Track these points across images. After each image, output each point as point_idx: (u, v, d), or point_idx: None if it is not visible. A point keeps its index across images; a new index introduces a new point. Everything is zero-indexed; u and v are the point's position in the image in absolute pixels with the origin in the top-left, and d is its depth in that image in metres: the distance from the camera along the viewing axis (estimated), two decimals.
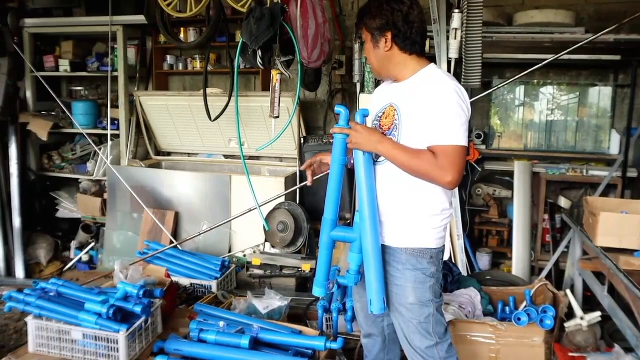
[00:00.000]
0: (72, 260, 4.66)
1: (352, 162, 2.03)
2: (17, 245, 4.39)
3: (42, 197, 4.89)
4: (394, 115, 1.97)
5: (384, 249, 2.02)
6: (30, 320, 2.45)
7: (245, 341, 2.41)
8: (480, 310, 2.88)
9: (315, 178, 2.30)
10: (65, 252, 4.80)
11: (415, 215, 1.97)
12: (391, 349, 2.36)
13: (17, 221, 4.44)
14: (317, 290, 2.10)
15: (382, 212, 2.02)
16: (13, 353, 2.42)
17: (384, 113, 2.04)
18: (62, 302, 2.50)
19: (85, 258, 4.62)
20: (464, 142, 1.84)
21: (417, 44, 1.96)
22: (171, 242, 4.14)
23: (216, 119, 3.99)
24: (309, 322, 3.38)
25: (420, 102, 1.88)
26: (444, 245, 2.02)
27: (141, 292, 2.51)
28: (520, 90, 4.58)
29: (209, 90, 4.13)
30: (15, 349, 2.76)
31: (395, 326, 2.09)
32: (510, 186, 4.35)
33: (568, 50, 3.15)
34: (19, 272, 4.36)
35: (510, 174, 4.26)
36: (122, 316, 2.42)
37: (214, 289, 3.55)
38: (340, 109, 1.97)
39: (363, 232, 1.96)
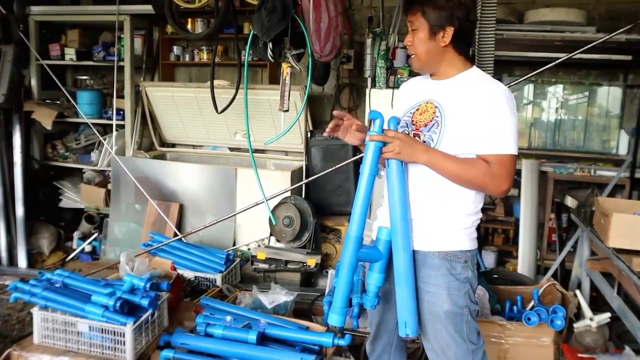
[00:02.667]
0: (74, 250, 4.63)
1: (382, 173, 1.89)
2: (20, 235, 4.35)
3: (46, 187, 4.85)
4: (434, 112, 1.88)
5: (413, 255, 1.90)
6: (35, 312, 2.42)
7: (252, 336, 2.39)
8: (488, 309, 2.86)
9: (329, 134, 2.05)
10: (67, 242, 4.77)
11: (448, 216, 1.88)
12: (397, 354, 2.29)
13: (20, 210, 4.40)
14: (335, 319, 1.91)
15: (411, 214, 1.91)
16: (18, 344, 2.39)
17: (418, 109, 1.94)
18: (68, 293, 2.47)
19: (88, 248, 4.59)
20: (516, 150, 1.79)
21: (469, 45, 1.91)
22: (175, 235, 4.12)
23: (223, 111, 3.95)
24: (314, 318, 3.36)
25: (470, 104, 1.81)
26: (477, 248, 1.94)
27: (148, 285, 2.49)
28: (528, 89, 4.55)
29: (215, 82, 4.09)
30: (18, 339, 2.75)
31: (424, 337, 1.97)
32: (516, 184, 4.32)
33: (581, 49, 3.12)
34: (22, 261, 4.33)
35: (517, 172, 4.22)
36: (128, 309, 2.40)
37: (219, 283, 3.53)
38: (375, 115, 1.81)
39: (395, 249, 1.84)
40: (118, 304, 2.33)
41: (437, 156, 1.81)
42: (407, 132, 1.94)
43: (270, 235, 4.03)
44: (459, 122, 1.83)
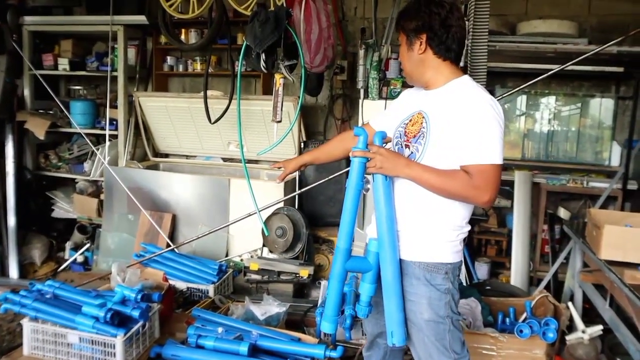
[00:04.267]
0: (66, 260, 4.60)
1: (368, 187, 1.92)
2: (12, 245, 4.33)
3: (38, 197, 4.82)
4: (421, 123, 1.90)
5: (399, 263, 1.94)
6: (25, 323, 2.41)
7: (243, 348, 2.38)
8: (481, 321, 2.86)
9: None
10: (60, 252, 4.74)
11: (432, 229, 1.91)
12: None
13: (11, 220, 4.38)
14: (327, 326, 1.99)
15: (397, 225, 1.94)
16: (7, 356, 2.37)
17: (410, 120, 1.96)
18: (58, 304, 2.46)
19: (80, 259, 4.57)
20: (500, 159, 1.78)
21: (452, 50, 1.90)
22: (168, 245, 4.10)
23: (216, 121, 3.96)
24: (306, 329, 3.34)
25: (453, 114, 1.82)
26: (460, 261, 1.96)
27: (139, 296, 2.48)
28: (521, 100, 4.58)
29: (209, 93, 4.10)
30: (8, 350, 2.72)
31: (410, 343, 2.01)
32: (509, 196, 4.33)
33: (573, 61, 3.14)
34: (13, 271, 4.30)
35: (510, 184, 4.25)
36: (119, 320, 2.39)
37: (211, 294, 3.52)
38: (359, 132, 1.87)
39: (382, 261, 1.88)
40: (109, 315, 2.31)
41: (417, 170, 1.83)
42: (400, 143, 1.97)
43: (263, 246, 4.02)
44: (442, 132, 1.84)
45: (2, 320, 3.55)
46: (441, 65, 1.92)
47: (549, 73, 3.24)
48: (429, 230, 1.91)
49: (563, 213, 4.30)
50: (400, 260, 1.93)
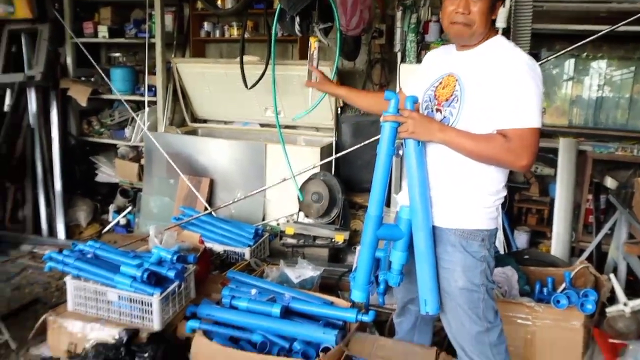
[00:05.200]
0: (110, 223, 4.75)
1: (400, 153, 1.87)
2: (58, 208, 4.48)
3: (82, 162, 4.98)
4: (454, 86, 1.83)
5: (432, 230, 1.91)
6: (68, 280, 2.50)
7: (276, 309, 2.40)
8: (517, 290, 2.80)
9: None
10: (103, 215, 4.89)
11: (468, 194, 1.86)
12: (422, 330, 2.31)
13: (58, 184, 4.53)
14: (357, 295, 1.99)
15: (430, 189, 1.91)
16: (53, 310, 2.48)
17: (440, 82, 1.89)
18: (98, 264, 2.54)
19: (122, 221, 4.70)
20: (539, 123, 1.72)
21: None
22: (205, 209, 4.17)
23: (252, 87, 3.94)
24: (340, 293, 3.36)
25: (490, 75, 1.75)
26: (497, 228, 1.91)
27: (175, 258, 2.53)
28: (569, 64, 4.37)
29: (245, 58, 4.08)
30: (58, 305, 2.85)
31: (441, 312, 1.98)
32: (553, 164, 4.19)
33: (627, 20, 2.95)
34: (60, 233, 4.47)
35: (554, 151, 4.10)
36: (156, 280, 2.45)
37: (247, 257, 3.57)
38: (390, 95, 1.81)
39: (415, 228, 1.84)
40: (145, 275, 2.38)
41: (451, 134, 1.77)
42: (430, 107, 1.91)
43: (299, 210, 4.04)
44: (477, 96, 1.78)
45: (51, 278, 3.71)
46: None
47: (600, 34, 3.07)
48: (464, 196, 1.86)
49: (610, 182, 4.13)
50: (434, 227, 1.90)
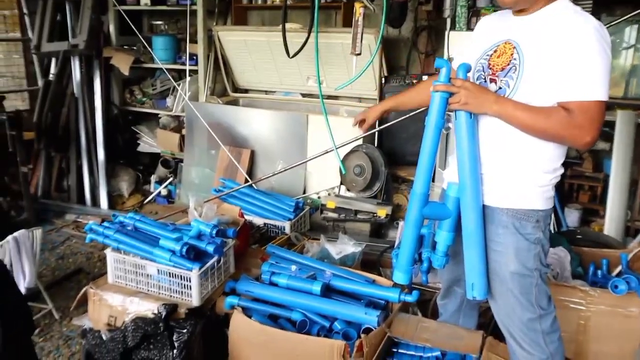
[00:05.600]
0: (151, 193, 4.79)
1: (449, 125, 1.76)
2: (101, 177, 4.54)
3: (124, 131, 5.01)
4: (512, 54, 1.68)
5: (482, 210, 1.80)
6: (109, 253, 2.50)
7: (316, 287, 2.34)
8: (569, 272, 2.65)
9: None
10: (145, 185, 4.94)
11: (522, 172, 1.73)
12: (468, 313, 2.22)
13: (101, 154, 4.58)
14: (399, 277, 1.90)
15: (482, 166, 1.79)
16: (94, 282, 2.48)
17: (495, 51, 1.74)
18: (138, 236, 2.52)
19: (164, 192, 4.73)
20: (606, 96, 1.56)
21: None
22: (246, 181, 4.13)
23: (294, 55, 3.82)
24: (382, 270, 3.29)
25: (554, 42, 1.60)
26: (552, 208, 1.78)
27: (214, 232, 2.49)
28: (630, 31, 4.07)
29: (287, 26, 3.95)
30: (100, 275, 2.88)
31: (491, 296, 1.89)
32: (608, 137, 3.94)
33: None
34: (103, 202, 4.53)
35: (611, 124, 3.86)
36: (195, 254, 2.41)
37: (287, 230, 3.52)
38: (441, 63, 1.68)
39: (464, 208, 1.73)
40: (184, 250, 2.34)
41: (508, 106, 1.64)
42: (483, 77, 1.77)
43: (341, 184, 3.95)
44: (539, 65, 1.62)
45: (94, 248, 3.78)
46: None
47: None
48: (519, 174, 1.73)
49: None
50: (485, 206, 1.78)
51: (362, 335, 2.10)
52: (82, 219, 4.29)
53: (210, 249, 2.40)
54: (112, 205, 4.56)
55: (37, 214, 4.25)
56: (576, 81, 1.56)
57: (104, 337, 2.35)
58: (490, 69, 1.75)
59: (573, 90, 1.57)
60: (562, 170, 1.77)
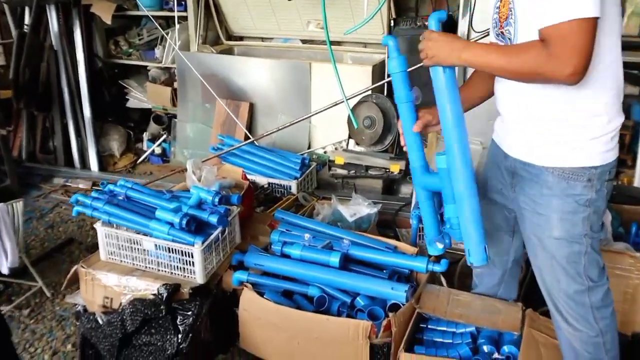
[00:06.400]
0: (145, 152, 4.47)
1: (417, 95, 1.61)
2: (89, 136, 4.20)
3: (111, 86, 4.61)
4: (509, 1, 1.45)
5: (524, 166, 1.56)
6: (99, 227, 2.22)
7: (334, 259, 2.10)
8: (611, 234, 2.39)
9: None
10: (138, 143, 4.61)
11: (567, 123, 1.45)
12: (509, 284, 1.99)
13: (87, 111, 4.22)
14: (434, 249, 1.73)
15: (517, 118, 1.57)
16: (85, 261, 2.22)
17: (501, 1, 1.49)
18: (131, 207, 2.24)
19: (157, 150, 4.43)
20: (591, 10, 1.24)
21: None
22: (246, 137, 3.83)
23: None
24: (398, 231, 3.05)
25: None
26: (612, 162, 1.50)
27: (216, 199, 2.20)
28: None
29: None
30: (93, 246, 2.62)
31: (534, 264, 1.67)
32: (636, 81, 3.63)
33: None
34: (93, 164, 4.21)
35: (637, 66, 3.54)
36: (196, 226, 2.14)
37: (294, 190, 3.26)
38: (386, 41, 1.60)
39: (453, 175, 1.53)
40: (184, 222, 2.07)
41: (476, 51, 1.44)
42: (496, 32, 1.55)
43: (349, 137, 3.66)
44: (526, 1, 1.39)
45: (86, 215, 3.49)
46: None
47: None
48: (563, 125, 1.46)
49: None
50: (527, 163, 1.55)
51: (390, 314, 1.86)
52: (71, 183, 3.99)
53: (213, 219, 2.13)
54: (102, 166, 4.26)
55: (22, 178, 3.96)
56: (548, 2, 1.27)
57: (100, 321, 2.11)
58: (499, 21, 1.52)
59: (547, 13, 1.28)
60: (621, 118, 1.49)
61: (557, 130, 1.47)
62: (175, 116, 4.35)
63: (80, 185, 3.92)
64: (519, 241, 1.82)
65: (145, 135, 4.53)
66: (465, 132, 1.52)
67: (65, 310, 2.54)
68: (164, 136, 4.43)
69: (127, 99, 4.66)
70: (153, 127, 4.50)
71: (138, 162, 4.42)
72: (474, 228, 1.55)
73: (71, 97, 4.18)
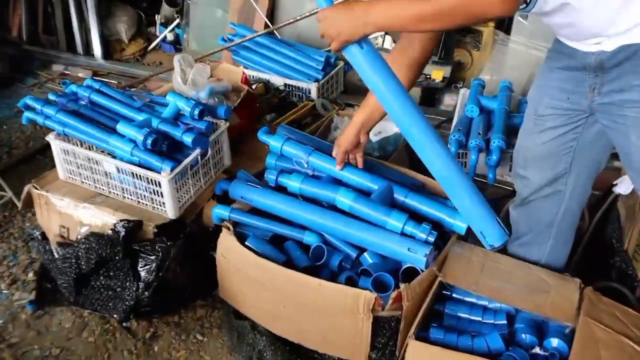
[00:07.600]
0: (156, 37, 3.95)
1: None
2: (92, 17, 3.67)
3: None
4: None
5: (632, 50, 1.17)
6: (52, 140, 1.80)
7: (344, 198, 1.61)
8: None
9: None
10: (149, 27, 4.07)
11: None
12: (564, 232, 1.56)
13: None
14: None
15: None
16: (37, 180, 1.83)
17: None
18: (93, 117, 1.79)
19: (170, 37, 3.89)
20: None
21: None
22: (266, 26, 3.24)
23: None
24: None
25: None
26: None
27: (196, 112, 1.72)
28: None
29: None
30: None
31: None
32: None
33: None
34: (97, 50, 3.73)
35: None
36: (169, 146, 1.69)
37: (313, 94, 2.76)
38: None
39: (427, 163, 1.41)
40: (149, 140, 1.61)
41: (381, 7, 1.21)
42: None
43: (386, 34, 3.03)
44: None
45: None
46: None
47: None
48: None
49: None
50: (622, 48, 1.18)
51: (402, 285, 1.41)
52: (70, 72, 3.55)
53: (187, 139, 1.67)
54: (108, 53, 3.78)
55: (19, 63, 3.54)
56: None
57: (56, 254, 1.76)
58: None
59: None
60: None
61: None
62: None
63: (80, 74, 3.48)
64: (576, 178, 1.46)
65: (158, 18, 3.97)
66: (417, 107, 1.34)
67: (34, 228, 2.20)
68: (177, 21, 3.87)
69: None
70: (166, 9, 3.92)
71: (149, 49, 3.91)
72: (479, 208, 1.41)
73: None
